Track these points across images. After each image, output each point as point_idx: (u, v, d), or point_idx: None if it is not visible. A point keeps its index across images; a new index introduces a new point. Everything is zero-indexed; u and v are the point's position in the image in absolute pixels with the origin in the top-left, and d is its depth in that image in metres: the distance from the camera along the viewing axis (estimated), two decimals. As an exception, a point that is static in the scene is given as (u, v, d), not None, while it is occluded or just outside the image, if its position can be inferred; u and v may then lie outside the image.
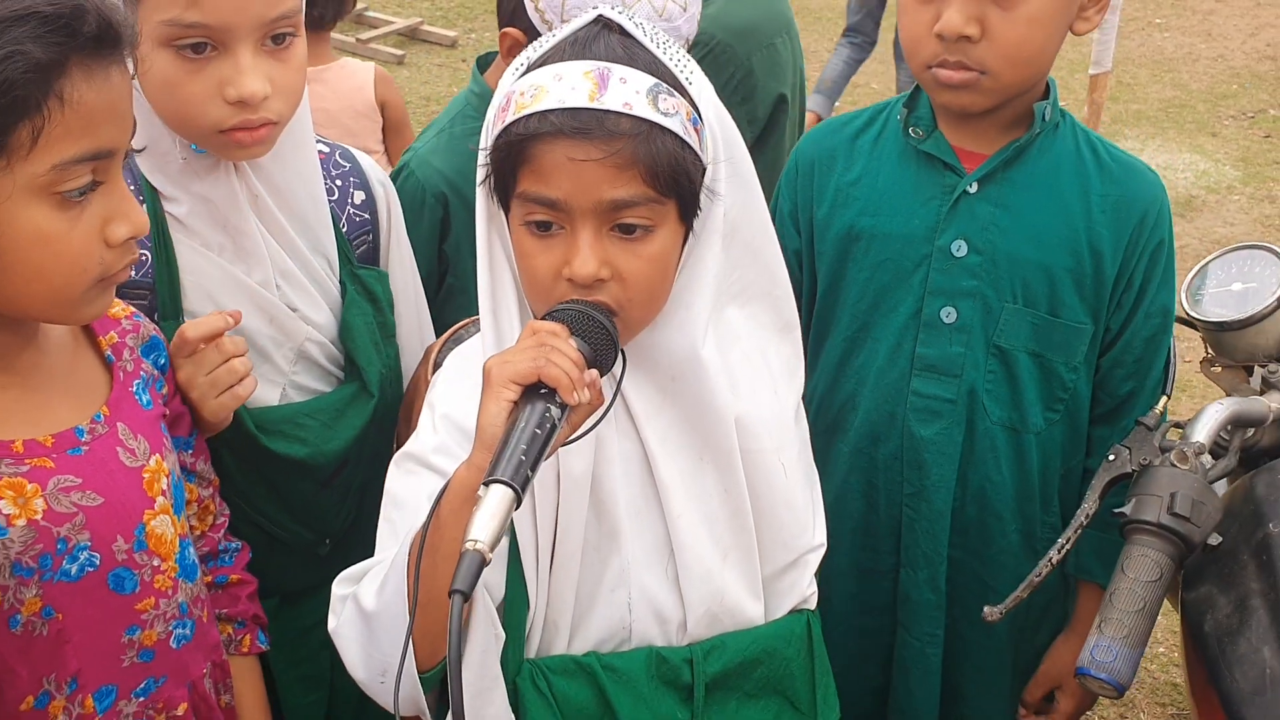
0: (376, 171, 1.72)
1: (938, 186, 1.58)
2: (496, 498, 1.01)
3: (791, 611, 1.35)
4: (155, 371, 1.37)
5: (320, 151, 1.62)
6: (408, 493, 1.25)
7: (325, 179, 1.62)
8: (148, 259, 1.45)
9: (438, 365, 1.42)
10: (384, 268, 1.70)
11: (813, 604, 1.38)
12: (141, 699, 1.30)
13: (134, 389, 1.32)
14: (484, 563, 0.99)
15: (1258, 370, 1.70)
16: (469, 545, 0.99)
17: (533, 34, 1.75)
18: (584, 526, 1.24)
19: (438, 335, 1.68)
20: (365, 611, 1.19)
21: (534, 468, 1.04)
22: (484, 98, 1.89)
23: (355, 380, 1.61)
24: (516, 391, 1.08)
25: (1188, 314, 1.72)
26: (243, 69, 1.37)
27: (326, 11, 2.81)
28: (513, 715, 1.21)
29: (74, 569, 1.21)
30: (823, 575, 1.60)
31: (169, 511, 1.31)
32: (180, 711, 1.34)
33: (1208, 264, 1.75)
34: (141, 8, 1.32)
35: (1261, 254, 1.71)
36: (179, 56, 1.35)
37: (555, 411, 1.07)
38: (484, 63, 2.00)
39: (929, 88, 1.53)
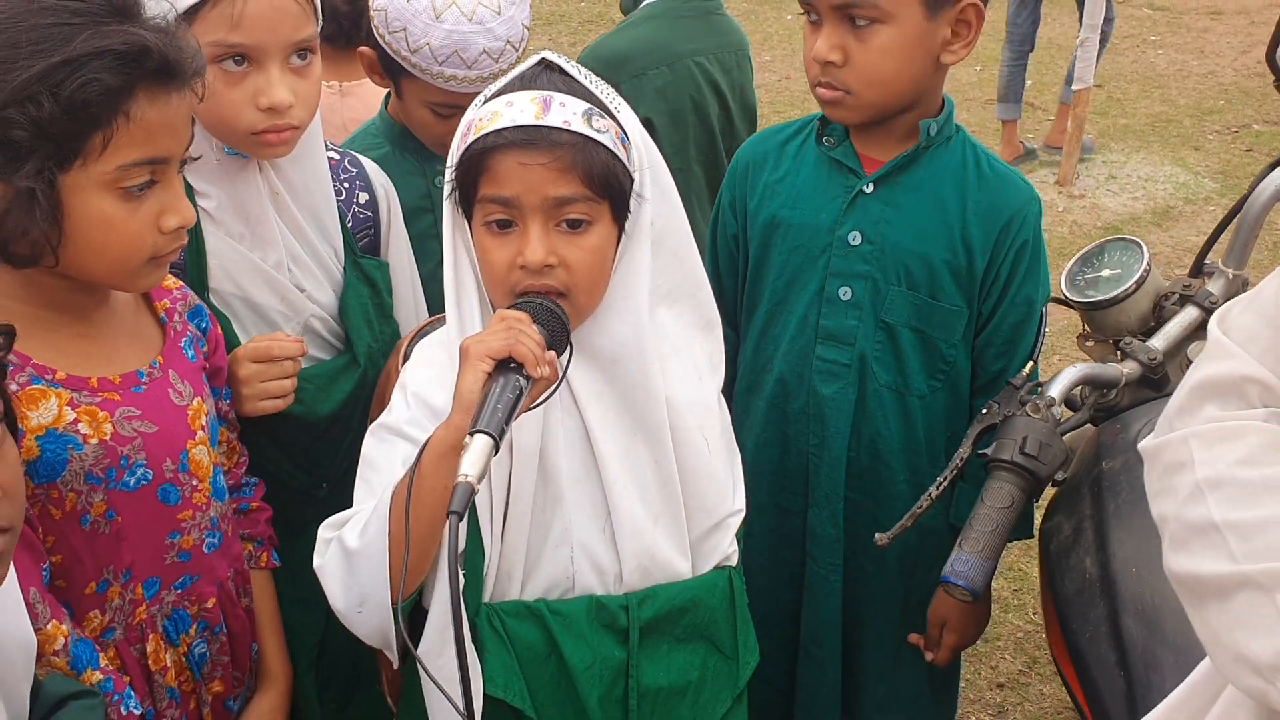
0: (380, 176, 2.00)
1: (841, 186, 1.87)
2: (480, 444, 1.21)
3: (715, 568, 1.54)
4: (198, 333, 1.64)
5: (331, 158, 1.90)
6: (381, 457, 1.44)
7: (335, 181, 1.89)
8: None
9: (407, 356, 1.61)
10: (384, 258, 1.98)
11: (734, 562, 1.57)
12: (179, 591, 1.57)
13: (182, 345, 1.60)
14: (473, 491, 1.18)
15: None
16: (461, 478, 1.18)
17: (380, 50, 2.03)
18: (532, 492, 1.43)
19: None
20: (348, 550, 1.37)
21: (507, 424, 1.24)
22: (386, 120, 2.19)
23: (348, 352, 1.86)
24: (490, 365, 1.28)
25: (1066, 296, 2.01)
26: (273, 81, 1.64)
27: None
28: (474, 648, 1.40)
29: (132, 481, 1.46)
30: (747, 514, 1.90)
31: (206, 444, 1.58)
32: (210, 605, 1.61)
33: (1084, 254, 2.04)
34: (195, 31, 1.64)
35: (1129, 245, 2.00)
36: (222, 71, 1.64)
37: (522, 382, 1.28)
38: (387, 99, 2.22)
39: (819, 102, 1.83)
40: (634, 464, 1.47)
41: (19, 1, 1.31)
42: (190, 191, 1.73)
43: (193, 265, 1.73)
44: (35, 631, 1.31)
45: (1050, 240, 5.47)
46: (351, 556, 1.37)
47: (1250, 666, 0.96)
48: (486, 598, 1.45)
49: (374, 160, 2.06)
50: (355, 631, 1.42)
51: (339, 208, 1.89)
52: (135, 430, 1.47)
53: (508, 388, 1.27)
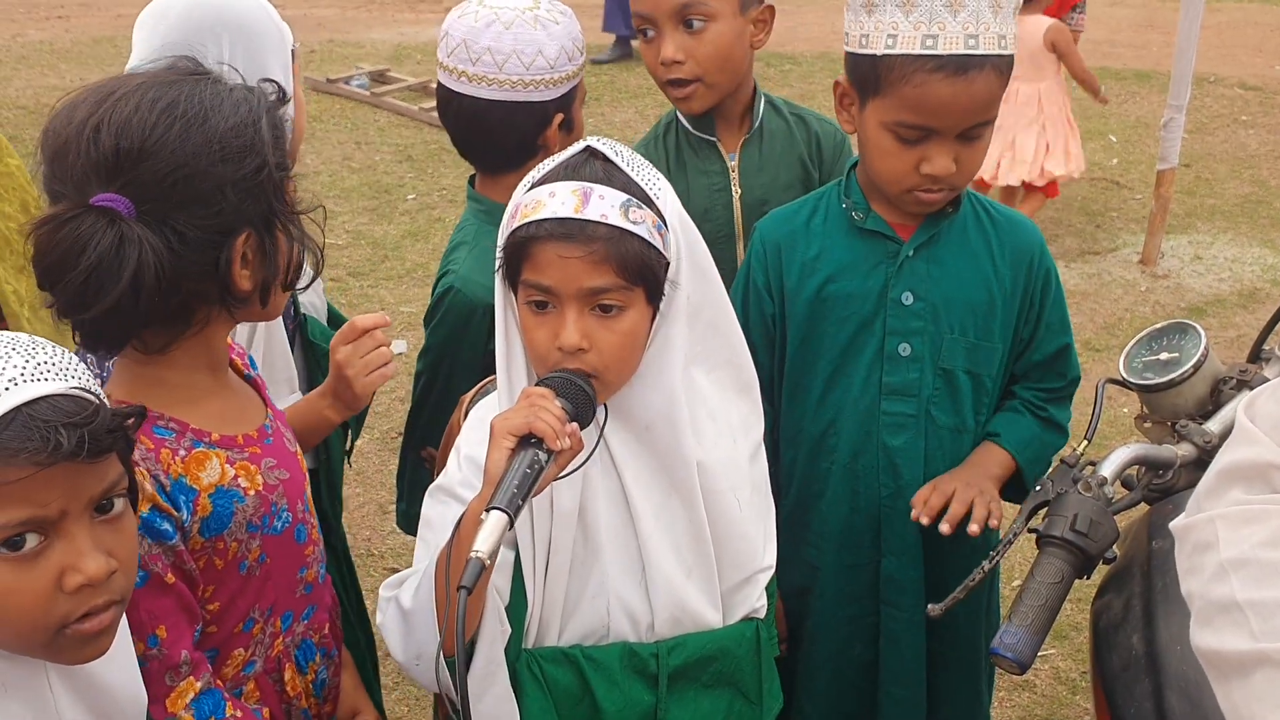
0: None
1: (883, 253, 1.99)
2: (493, 521, 1.29)
3: (744, 619, 1.64)
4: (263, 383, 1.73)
5: None
6: (437, 517, 1.55)
7: None
8: None
9: (468, 414, 1.71)
10: None
11: (762, 614, 1.66)
12: (305, 621, 1.68)
13: (269, 396, 1.70)
14: (484, 567, 1.26)
15: (1186, 427, 2.02)
16: (473, 555, 1.26)
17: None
18: (572, 546, 1.53)
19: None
20: (404, 610, 1.48)
21: (525, 498, 1.32)
22: (491, 211, 2.10)
23: None
24: (513, 441, 1.35)
25: (1124, 378, 2.05)
26: None
27: None
28: (512, 692, 1.49)
29: (279, 525, 1.58)
30: (814, 574, 2.01)
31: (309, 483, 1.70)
32: (326, 630, 1.73)
33: (1143, 337, 2.08)
34: None
35: (1188, 330, 2.04)
36: None
37: (542, 456, 1.35)
38: (472, 180, 2.27)
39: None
40: (668, 521, 1.57)
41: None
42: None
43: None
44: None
45: (1132, 320, 5.44)
46: (407, 615, 1.49)
47: None
48: (528, 644, 1.55)
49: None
50: (415, 681, 1.55)
51: None
52: (277, 479, 1.58)
53: (525, 462, 1.34)
